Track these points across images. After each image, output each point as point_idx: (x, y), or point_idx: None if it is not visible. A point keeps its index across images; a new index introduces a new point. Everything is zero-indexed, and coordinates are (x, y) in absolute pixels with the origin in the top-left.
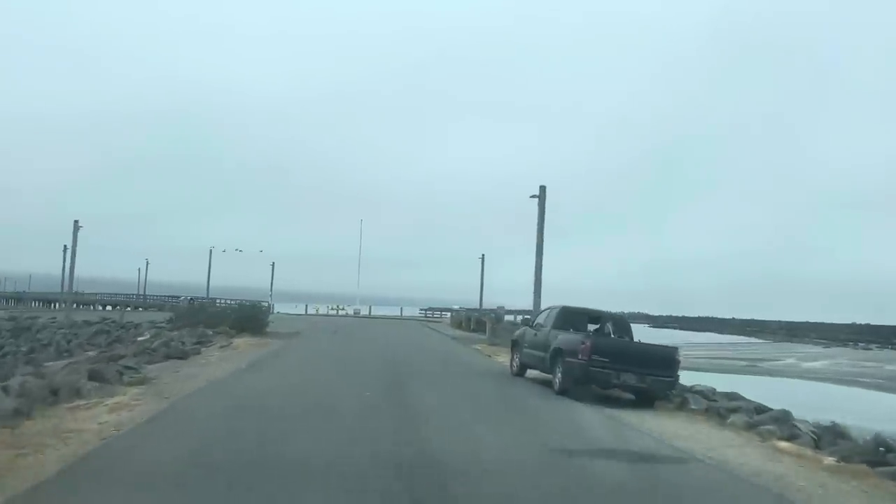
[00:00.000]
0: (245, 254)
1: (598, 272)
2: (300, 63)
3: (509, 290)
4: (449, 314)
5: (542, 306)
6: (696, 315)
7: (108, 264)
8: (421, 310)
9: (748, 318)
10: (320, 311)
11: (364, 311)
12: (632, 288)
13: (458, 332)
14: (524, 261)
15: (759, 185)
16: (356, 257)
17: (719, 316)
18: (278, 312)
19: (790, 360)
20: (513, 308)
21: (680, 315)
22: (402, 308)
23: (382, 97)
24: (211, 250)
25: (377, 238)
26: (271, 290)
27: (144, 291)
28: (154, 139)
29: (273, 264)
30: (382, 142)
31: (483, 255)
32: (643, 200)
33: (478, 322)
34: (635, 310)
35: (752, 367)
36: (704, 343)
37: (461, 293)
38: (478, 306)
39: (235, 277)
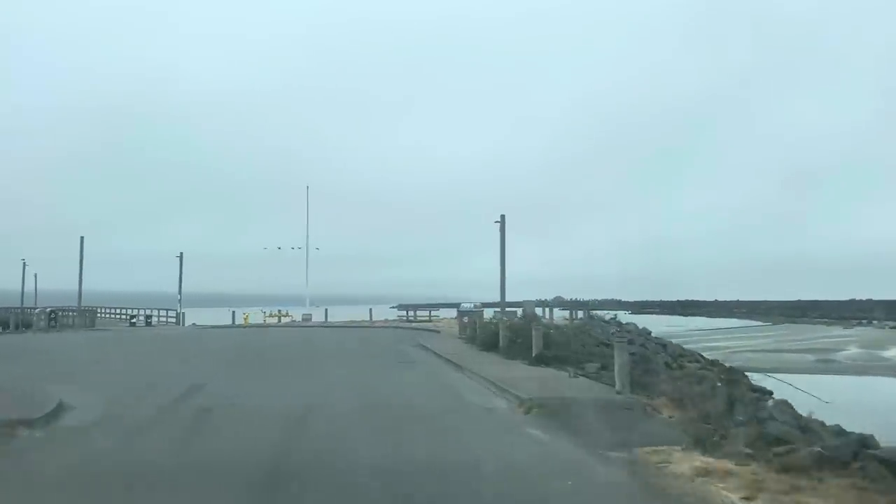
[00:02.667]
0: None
1: (568, 260)
2: (242, 57)
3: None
4: (453, 315)
5: None
6: (677, 299)
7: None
8: (393, 307)
9: (730, 299)
10: (250, 321)
11: (318, 316)
12: (603, 273)
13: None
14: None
15: (729, 164)
16: (313, 250)
17: (700, 299)
18: (188, 325)
19: (854, 350)
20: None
21: (658, 300)
22: (371, 309)
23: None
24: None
25: (338, 235)
26: (180, 293)
27: None
28: (82, 137)
29: (181, 256)
30: (330, 132)
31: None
32: (612, 185)
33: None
34: (608, 296)
35: (831, 364)
36: (719, 329)
37: (433, 288)
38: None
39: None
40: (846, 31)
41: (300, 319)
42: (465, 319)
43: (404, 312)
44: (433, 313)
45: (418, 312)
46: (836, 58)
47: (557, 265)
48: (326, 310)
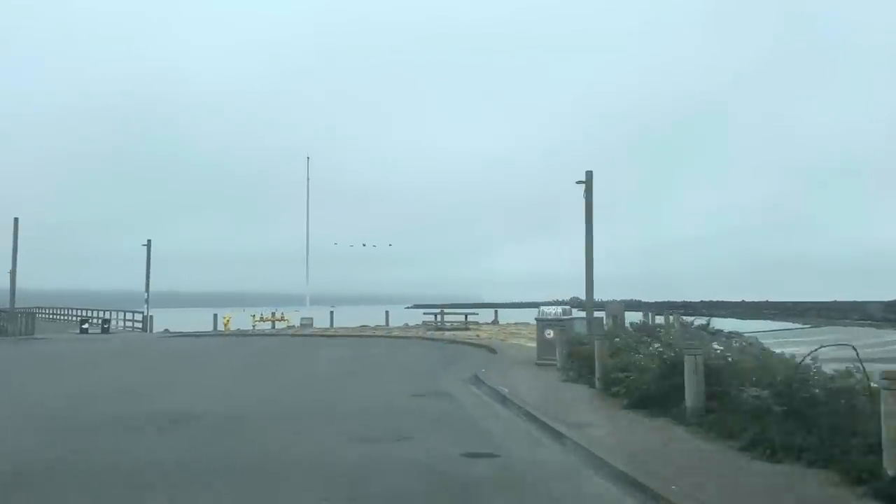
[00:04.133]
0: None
1: (580, 260)
2: (250, 57)
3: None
4: (489, 319)
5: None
6: (700, 299)
7: None
8: (409, 307)
9: (757, 299)
10: (230, 326)
11: (321, 320)
12: (623, 273)
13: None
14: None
15: (747, 161)
16: (317, 248)
17: (723, 299)
18: (160, 331)
19: None
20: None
21: (680, 300)
22: (387, 312)
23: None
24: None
25: (347, 234)
26: (147, 290)
27: None
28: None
29: (148, 243)
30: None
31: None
32: (627, 185)
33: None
34: (624, 297)
35: None
36: (761, 332)
37: (446, 286)
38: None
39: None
40: (861, 25)
41: (298, 325)
42: (551, 334)
43: (432, 317)
44: (474, 321)
45: (447, 316)
46: (854, 54)
47: (569, 264)
48: (332, 312)
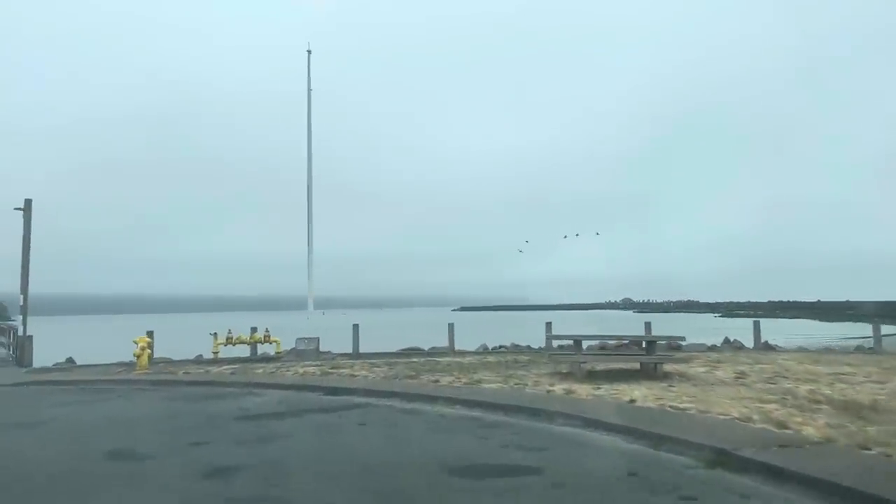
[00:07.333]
0: None
1: (629, 259)
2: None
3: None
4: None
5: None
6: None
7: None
8: (455, 309)
9: (838, 299)
10: (149, 356)
11: (335, 338)
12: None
13: None
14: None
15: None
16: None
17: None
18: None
19: None
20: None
21: (746, 301)
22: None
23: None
24: None
25: (376, 236)
26: (24, 297)
27: None
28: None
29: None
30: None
31: None
32: (679, 178)
33: None
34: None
35: None
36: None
37: (491, 289)
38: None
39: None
40: None
41: (285, 351)
42: None
43: (570, 343)
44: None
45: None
46: None
47: (617, 265)
48: (357, 328)
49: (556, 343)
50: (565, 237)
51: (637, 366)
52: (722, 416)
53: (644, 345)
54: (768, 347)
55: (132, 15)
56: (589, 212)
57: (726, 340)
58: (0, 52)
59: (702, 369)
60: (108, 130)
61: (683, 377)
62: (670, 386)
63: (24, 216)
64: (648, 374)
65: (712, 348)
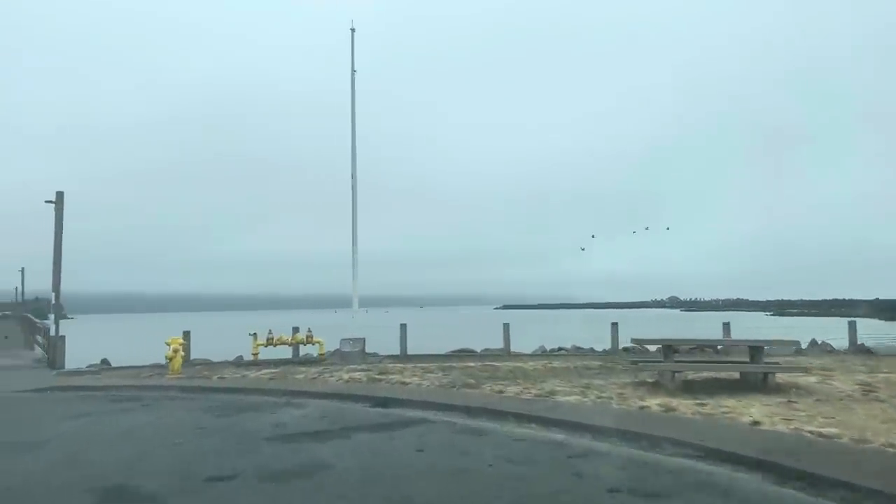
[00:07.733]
0: None
1: (675, 257)
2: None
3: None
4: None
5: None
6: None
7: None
8: (498, 308)
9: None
10: (181, 364)
11: (381, 340)
12: (713, 270)
13: None
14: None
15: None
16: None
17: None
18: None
19: None
20: None
21: (797, 299)
22: (507, 326)
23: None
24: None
25: (419, 235)
26: (56, 296)
27: None
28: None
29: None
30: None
31: None
32: (720, 174)
33: None
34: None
35: None
36: None
37: (534, 288)
38: None
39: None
40: None
41: (329, 353)
42: None
43: (652, 350)
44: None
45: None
46: None
47: (663, 263)
48: (405, 328)
49: (626, 346)
50: (634, 232)
51: (736, 375)
52: (891, 449)
53: (752, 351)
54: (866, 350)
55: (194, 24)
56: (626, 209)
57: (813, 342)
58: (81, 56)
59: (813, 379)
60: (159, 134)
61: (800, 390)
62: (790, 402)
63: (56, 209)
64: (753, 385)
65: (799, 352)
